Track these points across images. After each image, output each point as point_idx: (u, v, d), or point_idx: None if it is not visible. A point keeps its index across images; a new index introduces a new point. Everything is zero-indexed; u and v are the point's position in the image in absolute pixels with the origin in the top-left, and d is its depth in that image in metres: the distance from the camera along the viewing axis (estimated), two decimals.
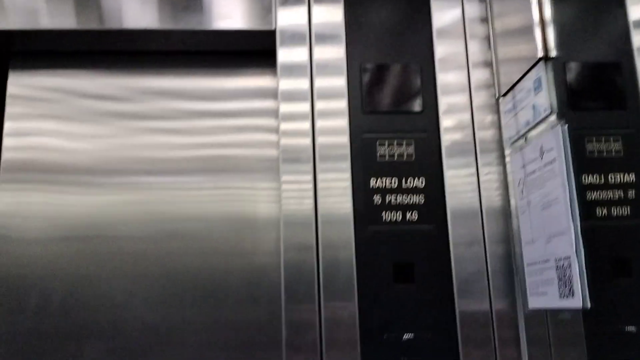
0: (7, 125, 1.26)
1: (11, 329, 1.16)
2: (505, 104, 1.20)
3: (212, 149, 1.29)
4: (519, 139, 1.14)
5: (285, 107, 1.22)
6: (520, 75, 1.13)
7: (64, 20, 1.23)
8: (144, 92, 1.32)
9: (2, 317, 1.16)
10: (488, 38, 1.28)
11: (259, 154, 1.30)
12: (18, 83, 1.29)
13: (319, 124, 1.21)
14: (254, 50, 1.34)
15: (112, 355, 1.16)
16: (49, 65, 1.31)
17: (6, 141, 1.25)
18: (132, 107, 1.31)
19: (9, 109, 1.27)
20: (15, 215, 1.21)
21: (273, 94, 1.32)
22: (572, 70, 1.20)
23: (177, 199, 1.25)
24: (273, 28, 1.27)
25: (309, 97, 1.23)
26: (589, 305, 0.91)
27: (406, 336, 1.12)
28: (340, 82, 1.23)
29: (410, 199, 1.18)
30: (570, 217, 0.94)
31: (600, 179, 1.17)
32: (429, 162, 1.20)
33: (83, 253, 1.21)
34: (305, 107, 1.22)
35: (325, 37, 1.26)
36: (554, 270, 0.99)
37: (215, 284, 1.21)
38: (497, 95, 1.24)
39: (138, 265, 1.21)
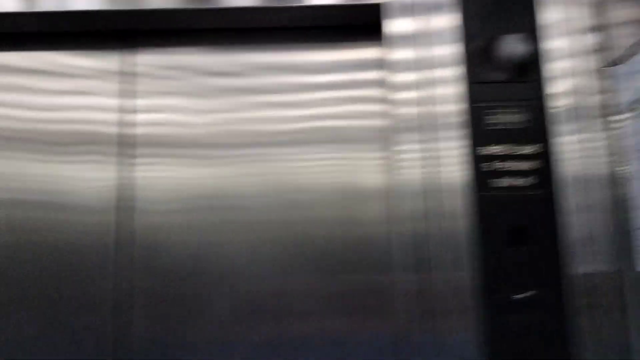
0: (139, 102, 1.36)
1: (146, 290, 1.27)
2: (620, 69, 1.20)
3: (321, 120, 1.35)
4: (635, 104, 1.14)
5: (395, 78, 1.26)
6: (636, 40, 1.13)
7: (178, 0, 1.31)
8: (257, 67, 1.38)
9: (138, 278, 1.27)
10: (595, 3, 1.27)
11: (366, 125, 1.35)
12: (145, 62, 1.38)
13: (430, 93, 1.25)
14: (359, 23, 1.38)
15: (234, 317, 1.26)
16: (170, 44, 1.39)
17: (140, 117, 1.36)
18: (246, 82, 1.38)
19: (139, 87, 1.37)
20: (150, 189, 1.32)
21: (378, 65, 1.37)
22: None
23: (291, 170, 1.32)
24: (378, 1, 1.31)
25: (419, 67, 1.26)
26: None
27: (517, 296, 1.16)
28: (449, 51, 1.26)
29: (521, 165, 1.21)
30: None
31: None
32: (538, 129, 1.22)
33: (207, 223, 1.30)
34: (415, 77, 1.26)
35: (433, 8, 1.28)
36: None
37: (329, 252, 1.28)
38: (607, 60, 1.24)
39: (255, 234, 1.30)
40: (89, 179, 1.32)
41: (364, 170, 1.33)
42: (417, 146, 1.23)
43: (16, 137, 1.34)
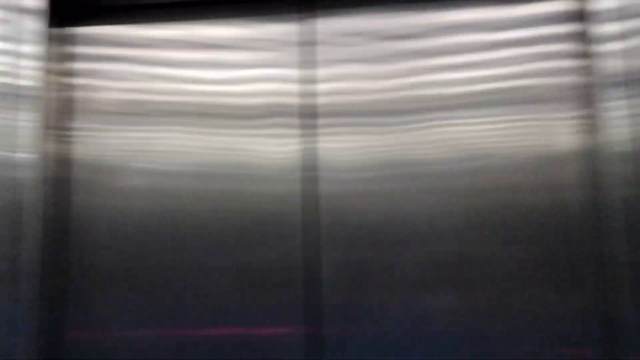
0: (320, 71, 1.34)
1: (332, 256, 1.28)
2: None
3: (510, 80, 1.27)
4: None
5: (598, 29, 1.16)
6: None
7: None
8: (439, 27, 1.31)
9: (325, 245, 1.28)
10: None
11: (560, 82, 1.26)
12: (324, 30, 1.35)
13: (638, 44, 1.14)
14: None
15: (421, 284, 1.25)
16: (348, 8, 1.35)
17: (321, 87, 1.34)
18: (429, 44, 1.31)
19: (319, 56, 1.34)
20: (333, 158, 1.31)
21: (575, 17, 1.26)
22: None
23: (478, 134, 1.26)
24: None
25: (624, 16, 1.16)
26: None
27: None
28: None
29: None
30: None
31: None
32: None
33: (391, 190, 1.28)
34: (620, 27, 1.15)
35: None
36: None
37: (522, 220, 1.23)
38: None
39: (440, 201, 1.26)
40: (273, 150, 1.33)
41: (559, 131, 1.25)
42: (624, 102, 1.14)
43: (200, 112, 1.36)
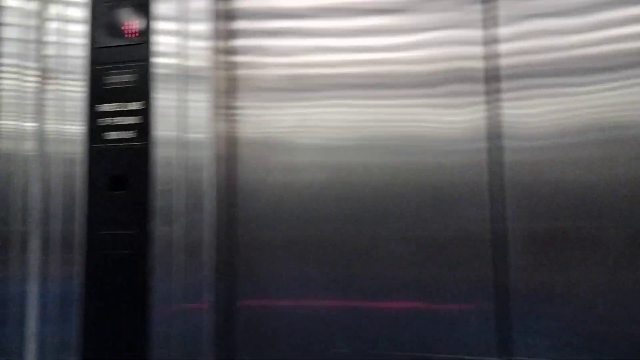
0: (501, 30, 1.22)
1: (521, 231, 1.19)
2: None
3: None
4: None
5: None
6: None
7: None
8: None
9: (514, 220, 1.20)
10: None
11: None
12: None
13: None
14: None
15: (616, 263, 1.13)
16: None
17: (502, 47, 1.22)
18: None
19: (501, 12, 1.22)
20: (521, 125, 1.20)
21: None
22: None
23: None
24: None
25: None
26: None
27: None
28: None
29: None
30: None
31: None
32: None
33: (589, 158, 1.16)
34: None
35: None
36: None
37: None
38: None
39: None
40: (452, 119, 1.23)
41: None
42: None
43: (371, 83, 1.29)
